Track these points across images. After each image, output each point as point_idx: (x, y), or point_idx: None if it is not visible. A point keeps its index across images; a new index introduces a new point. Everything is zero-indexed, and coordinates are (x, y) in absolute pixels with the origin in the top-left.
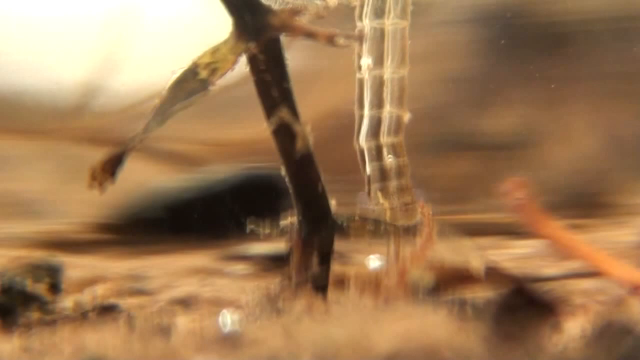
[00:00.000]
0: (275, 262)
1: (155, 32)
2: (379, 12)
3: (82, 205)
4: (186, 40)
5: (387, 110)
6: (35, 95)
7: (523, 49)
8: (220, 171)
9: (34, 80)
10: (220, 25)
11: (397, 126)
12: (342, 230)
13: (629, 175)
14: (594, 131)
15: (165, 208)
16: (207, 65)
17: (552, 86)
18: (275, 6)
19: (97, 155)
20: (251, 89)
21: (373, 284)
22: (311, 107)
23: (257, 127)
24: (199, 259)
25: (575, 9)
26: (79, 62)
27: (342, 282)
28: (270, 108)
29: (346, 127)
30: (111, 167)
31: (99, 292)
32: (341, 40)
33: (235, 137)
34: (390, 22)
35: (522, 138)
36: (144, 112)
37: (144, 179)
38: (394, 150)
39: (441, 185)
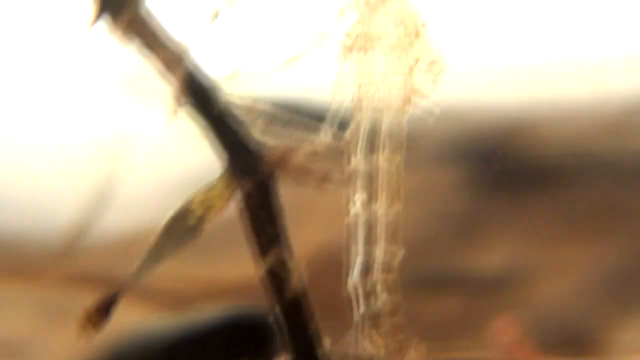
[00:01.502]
0: None
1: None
2: (373, 148)
3: (69, 347)
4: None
5: (381, 246)
6: (22, 235)
7: (512, 184)
8: (209, 310)
9: (20, 219)
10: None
11: (390, 263)
12: None
13: (620, 311)
14: (582, 267)
15: (153, 350)
16: (202, 202)
17: (542, 224)
18: (269, 144)
19: (87, 295)
20: (239, 226)
21: None
22: (304, 243)
23: (247, 266)
24: None
25: (562, 144)
26: (68, 200)
27: None
28: (263, 245)
29: (339, 263)
30: (105, 308)
31: None
32: (334, 179)
33: (225, 276)
34: (383, 159)
35: (512, 274)
36: (137, 251)
37: (131, 319)
38: (388, 287)
39: (432, 322)
